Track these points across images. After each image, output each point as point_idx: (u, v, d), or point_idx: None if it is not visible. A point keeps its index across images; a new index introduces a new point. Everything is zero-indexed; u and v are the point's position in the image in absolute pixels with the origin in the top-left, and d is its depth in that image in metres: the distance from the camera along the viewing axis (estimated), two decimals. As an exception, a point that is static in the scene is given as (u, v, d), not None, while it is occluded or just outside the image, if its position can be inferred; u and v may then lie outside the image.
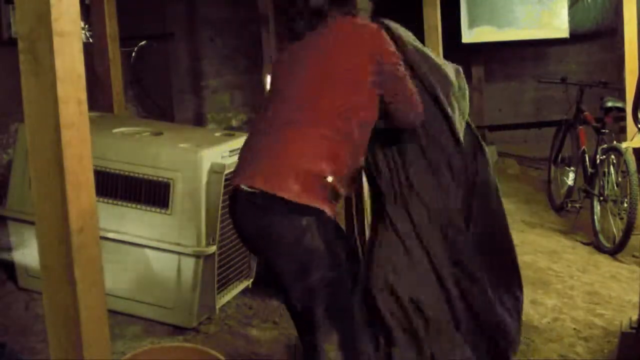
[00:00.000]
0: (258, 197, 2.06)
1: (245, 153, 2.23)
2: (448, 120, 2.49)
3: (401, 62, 2.24)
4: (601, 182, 4.90)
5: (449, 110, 2.50)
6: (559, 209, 5.57)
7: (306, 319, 2.10)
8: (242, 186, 2.10)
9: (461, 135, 2.52)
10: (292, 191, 2.02)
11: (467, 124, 2.62)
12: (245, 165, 2.18)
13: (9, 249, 3.65)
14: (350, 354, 2.10)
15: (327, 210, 2.09)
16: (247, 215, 2.11)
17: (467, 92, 2.57)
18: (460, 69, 2.65)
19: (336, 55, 2.13)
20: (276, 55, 2.09)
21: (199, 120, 6.04)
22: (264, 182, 2.06)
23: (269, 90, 2.32)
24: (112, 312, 1.94)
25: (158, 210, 3.28)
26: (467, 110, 2.55)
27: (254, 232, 2.13)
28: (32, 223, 1.76)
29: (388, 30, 2.37)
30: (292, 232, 2.05)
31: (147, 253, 3.31)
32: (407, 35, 2.48)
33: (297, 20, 2.19)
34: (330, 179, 2.06)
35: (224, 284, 3.46)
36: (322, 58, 2.14)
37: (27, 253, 3.50)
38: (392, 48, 2.22)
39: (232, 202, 2.18)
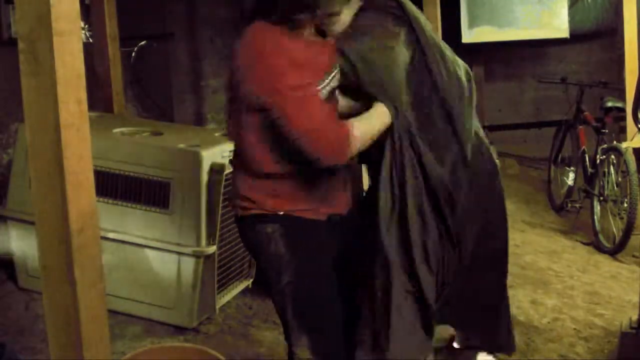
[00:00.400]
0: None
1: None
2: (457, 137, 2.32)
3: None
4: (601, 182, 4.90)
5: (460, 129, 2.31)
6: (559, 209, 5.57)
7: (282, 322, 2.14)
8: None
9: (468, 151, 2.34)
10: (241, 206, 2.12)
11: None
12: None
13: (9, 249, 3.65)
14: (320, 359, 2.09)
15: (301, 212, 2.09)
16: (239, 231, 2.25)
17: (474, 98, 2.42)
18: (470, 71, 2.51)
19: None
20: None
21: (199, 120, 6.04)
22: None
23: None
24: (112, 312, 1.94)
25: (158, 210, 3.28)
26: (471, 118, 2.40)
27: (245, 245, 2.27)
28: (32, 223, 1.76)
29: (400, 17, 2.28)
30: (257, 241, 2.12)
31: (147, 253, 3.31)
32: (427, 23, 2.38)
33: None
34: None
35: (224, 284, 3.46)
36: None
37: (27, 253, 3.50)
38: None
39: None
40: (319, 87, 1.99)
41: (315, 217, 2.11)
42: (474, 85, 2.40)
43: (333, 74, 2.09)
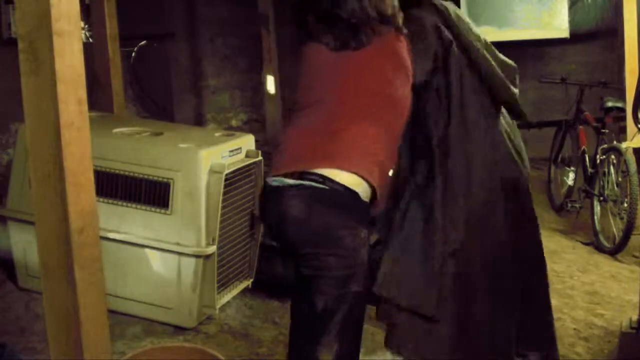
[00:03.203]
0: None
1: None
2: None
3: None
4: (601, 182, 4.90)
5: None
6: (559, 209, 5.57)
7: (316, 320, 2.06)
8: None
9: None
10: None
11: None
12: None
13: (9, 249, 3.65)
14: None
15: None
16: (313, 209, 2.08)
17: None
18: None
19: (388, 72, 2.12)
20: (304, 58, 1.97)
21: (199, 120, 6.04)
22: None
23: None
24: (112, 312, 1.93)
25: (158, 210, 3.28)
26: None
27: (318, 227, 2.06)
28: (32, 223, 1.76)
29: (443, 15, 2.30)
30: (355, 241, 2.04)
31: (147, 253, 3.31)
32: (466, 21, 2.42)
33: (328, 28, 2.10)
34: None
35: (224, 284, 3.46)
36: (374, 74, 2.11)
37: (27, 253, 3.50)
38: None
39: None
40: None
41: None
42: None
43: None
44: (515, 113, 2.59)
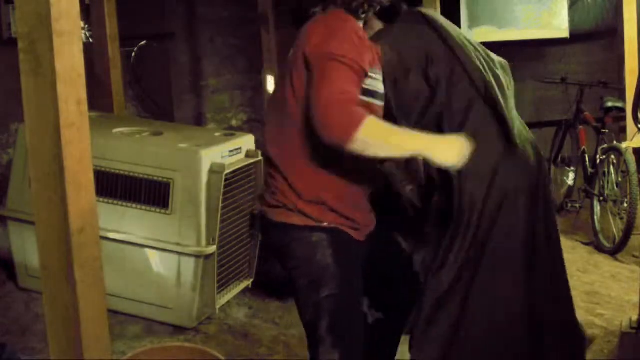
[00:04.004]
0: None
1: None
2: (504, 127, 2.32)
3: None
4: (601, 182, 4.90)
5: (506, 118, 2.33)
6: (559, 209, 5.56)
7: (311, 333, 2.07)
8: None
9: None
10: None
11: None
12: None
13: (9, 249, 3.65)
14: None
15: (345, 227, 2.07)
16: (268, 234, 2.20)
17: (512, 92, 2.40)
18: (506, 64, 2.50)
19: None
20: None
21: (199, 120, 6.04)
22: None
23: None
24: (112, 312, 1.93)
25: (158, 210, 3.28)
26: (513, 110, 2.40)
27: (278, 248, 2.15)
28: (32, 223, 1.76)
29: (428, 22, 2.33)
30: (304, 249, 2.05)
31: (147, 253, 3.31)
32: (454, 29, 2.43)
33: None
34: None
35: (224, 284, 3.46)
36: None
37: (27, 253, 3.50)
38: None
39: None
40: (370, 74, 1.99)
41: (355, 234, 2.10)
42: (511, 78, 2.44)
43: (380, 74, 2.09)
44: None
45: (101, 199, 3.21)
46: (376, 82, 2.04)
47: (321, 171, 2.00)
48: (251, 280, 3.71)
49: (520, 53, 7.49)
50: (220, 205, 3.23)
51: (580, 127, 5.48)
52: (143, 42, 5.31)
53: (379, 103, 2.08)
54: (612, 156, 4.80)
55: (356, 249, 2.10)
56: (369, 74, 1.98)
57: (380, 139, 1.87)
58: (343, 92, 1.83)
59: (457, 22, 6.98)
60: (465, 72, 2.26)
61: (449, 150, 1.94)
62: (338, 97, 1.82)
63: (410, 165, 2.35)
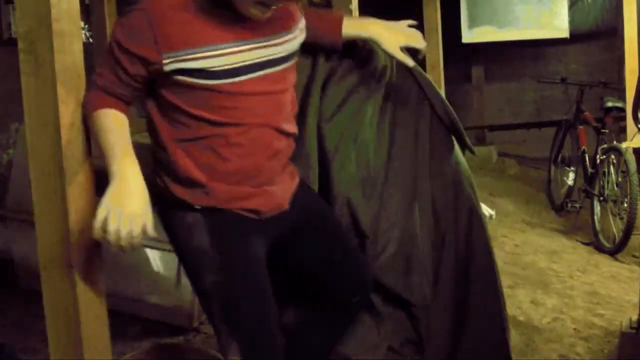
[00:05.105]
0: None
1: None
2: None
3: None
4: (601, 182, 4.90)
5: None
6: (559, 209, 5.57)
7: (210, 322, 1.93)
8: None
9: None
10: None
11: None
12: None
13: (9, 249, 3.65)
14: None
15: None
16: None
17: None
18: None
19: None
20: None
21: (199, 120, 6.03)
22: None
23: None
24: (112, 312, 1.93)
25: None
26: None
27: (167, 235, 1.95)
28: (32, 223, 1.76)
29: None
30: (179, 230, 1.86)
31: (147, 253, 3.31)
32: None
33: None
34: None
35: (224, 284, 3.46)
36: None
37: (27, 253, 3.50)
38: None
39: None
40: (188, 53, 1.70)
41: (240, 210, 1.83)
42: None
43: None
44: (461, 142, 2.40)
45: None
46: (209, 60, 1.72)
47: (192, 148, 1.80)
48: (251, 280, 3.70)
49: (520, 53, 7.51)
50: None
51: (580, 127, 5.48)
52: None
53: (223, 81, 1.75)
54: (612, 156, 4.80)
55: (249, 230, 1.84)
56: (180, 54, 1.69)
57: (95, 135, 1.74)
58: (97, 75, 1.74)
59: (457, 22, 6.99)
60: None
61: (115, 192, 1.65)
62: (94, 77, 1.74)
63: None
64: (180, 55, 1.69)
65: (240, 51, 1.74)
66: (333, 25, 2.08)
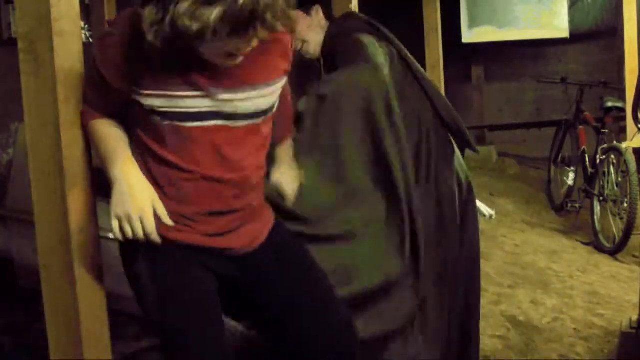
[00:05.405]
0: None
1: None
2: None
3: None
4: (601, 182, 4.90)
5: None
6: (559, 209, 5.57)
7: None
8: None
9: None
10: None
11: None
12: None
13: (9, 249, 3.65)
14: None
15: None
16: None
17: None
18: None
19: None
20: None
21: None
22: None
23: None
24: (112, 312, 1.93)
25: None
26: None
27: None
28: (32, 223, 1.76)
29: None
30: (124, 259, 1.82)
31: (147, 253, 3.30)
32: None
33: None
34: None
35: (224, 284, 3.45)
36: None
37: (27, 253, 3.50)
38: None
39: None
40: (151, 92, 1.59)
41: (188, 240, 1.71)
42: None
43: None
44: (463, 141, 2.44)
45: (101, 199, 3.20)
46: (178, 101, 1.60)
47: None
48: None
49: (520, 53, 7.51)
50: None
51: (580, 127, 5.49)
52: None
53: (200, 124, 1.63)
54: (612, 156, 4.81)
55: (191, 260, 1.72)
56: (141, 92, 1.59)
57: (93, 145, 1.70)
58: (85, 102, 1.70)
59: (457, 22, 6.99)
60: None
61: (118, 196, 1.66)
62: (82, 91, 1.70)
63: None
64: (154, 91, 1.59)
65: (210, 97, 1.60)
66: (287, 125, 2.00)
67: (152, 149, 1.65)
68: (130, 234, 1.59)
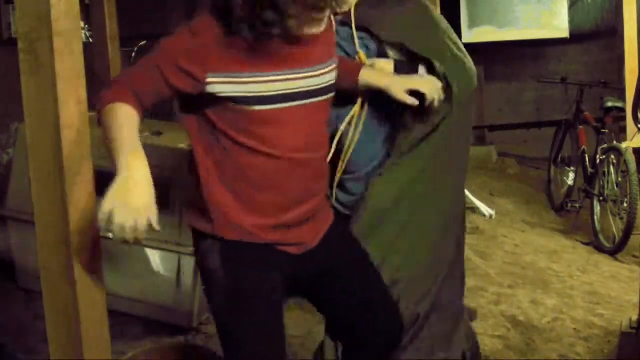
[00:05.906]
0: None
1: None
2: None
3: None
4: (601, 182, 4.90)
5: None
6: (559, 209, 5.57)
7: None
8: None
9: None
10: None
11: None
12: None
13: (9, 249, 3.65)
14: None
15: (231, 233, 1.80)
16: None
17: None
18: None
19: None
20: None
21: (199, 120, 6.03)
22: None
23: None
24: (112, 312, 1.93)
25: (158, 210, 3.27)
26: None
27: None
28: (32, 223, 1.76)
29: None
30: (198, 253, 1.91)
31: (147, 253, 3.31)
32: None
33: None
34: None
35: (224, 284, 3.46)
36: None
37: (27, 253, 3.50)
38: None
39: None
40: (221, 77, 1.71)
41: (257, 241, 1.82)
42: None
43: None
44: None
45: (101, 199, 3.20)
46: (250, 86, 1.73)
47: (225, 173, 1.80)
48: (251, 280, 3.70)
49: (520, 53, 7.50)
50: (220, 205, 3.23)
51: (580, 127, 5.48)
52: (143, 42, 5.30)
53: (261, 107, 1.75)
54: (612, 156, 4.80)
55: (264, 260, 1.83)
56: (212, 77, 1.70)
57: (105, 129, 1.68)
58: (124, 73, 1.79)
59: (457, 22, 6.99)
60: None
61: (121, 186, 1.65)
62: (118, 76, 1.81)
63: None
64: (223, 78, 1.70)
65: (281, 80, 1.75)
66: (352, 71, 2.13)
67: (229, 135, 1.75)
68: (117, 223, 1.55)
